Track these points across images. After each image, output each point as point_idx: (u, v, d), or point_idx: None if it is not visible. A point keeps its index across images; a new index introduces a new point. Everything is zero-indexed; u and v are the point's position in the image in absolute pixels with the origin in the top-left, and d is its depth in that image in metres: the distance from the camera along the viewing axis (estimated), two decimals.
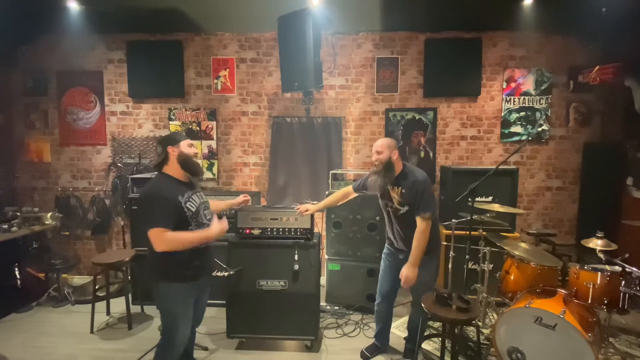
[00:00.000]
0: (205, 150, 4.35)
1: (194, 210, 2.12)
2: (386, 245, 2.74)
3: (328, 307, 3.55)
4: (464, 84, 4.15)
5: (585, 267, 2.48)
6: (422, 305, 2.36)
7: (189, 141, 2.21)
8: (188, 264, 2.11)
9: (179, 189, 2.11)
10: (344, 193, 2.84)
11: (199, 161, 2.09)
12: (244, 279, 2.83)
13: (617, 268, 2.48)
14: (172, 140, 2.18)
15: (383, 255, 2.75)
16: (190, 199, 2.13)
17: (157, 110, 4.35)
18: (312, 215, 2.93)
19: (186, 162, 2.15)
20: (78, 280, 4.39)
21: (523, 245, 2.94)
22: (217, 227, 2.13)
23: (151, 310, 3.52)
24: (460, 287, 3.08)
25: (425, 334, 2.94)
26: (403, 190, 2.43)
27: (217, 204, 2.70)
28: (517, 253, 2.79)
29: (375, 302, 2.80)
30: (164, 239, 1.96)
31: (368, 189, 2.65)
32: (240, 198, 2.78)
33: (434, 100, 4.21)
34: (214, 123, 4.31)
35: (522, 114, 4.17)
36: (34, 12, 3.72)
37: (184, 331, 2.18)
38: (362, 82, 4.22)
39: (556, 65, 4.11)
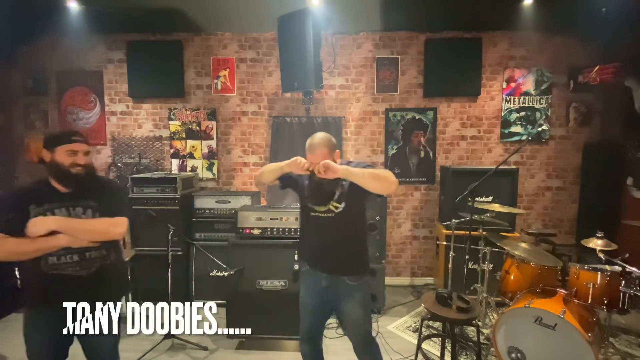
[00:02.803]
0: (205, 150, 4.35)
1: None
2: (307, 266, 2.12)
3: None
4: (464, 84, 4.15)
5: (585, 267, 2.48)
6: (423, 305, 2.36)
7: (72, 146, 1.67)
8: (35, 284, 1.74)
9: (40, 197, 1.66)
10: None
11: (88, 168, 1.72)
12: (244, 279, 2.83)
13: (617, 268, 2.48)
14: (48, 142, 1.69)
15: (301, 283, 2.15)
16: (47, 213, 1.65)
17: (157, 110, 4.35)
18: None
19: (52, 171, 1.68)
20: None
21: (523, 245, 2.94)
22: (37, 241, 1.59)
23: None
24: (460, 287, 3.08)
25: (425, 333, 2.94)
26: (343, 183, 2.00)
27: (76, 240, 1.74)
28: (517, 253, 2.79)
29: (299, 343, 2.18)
30: None
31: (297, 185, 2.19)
32: None
33: (434, 100, 4.21)
34: (214, 123, 4.31)
35: (522, 114, 4.17)
36: (34, 12, 3.72)
37: None
38: (362, 82, 4.22)
39: (556, 65, 4.11)
